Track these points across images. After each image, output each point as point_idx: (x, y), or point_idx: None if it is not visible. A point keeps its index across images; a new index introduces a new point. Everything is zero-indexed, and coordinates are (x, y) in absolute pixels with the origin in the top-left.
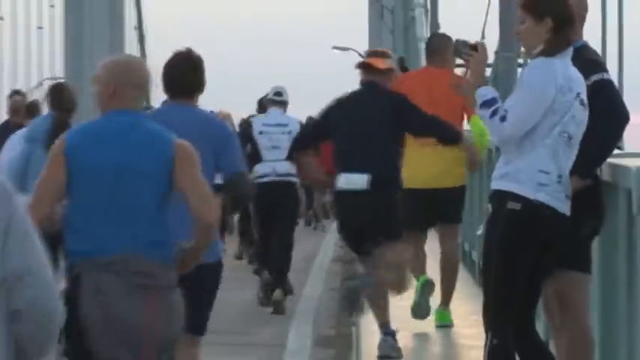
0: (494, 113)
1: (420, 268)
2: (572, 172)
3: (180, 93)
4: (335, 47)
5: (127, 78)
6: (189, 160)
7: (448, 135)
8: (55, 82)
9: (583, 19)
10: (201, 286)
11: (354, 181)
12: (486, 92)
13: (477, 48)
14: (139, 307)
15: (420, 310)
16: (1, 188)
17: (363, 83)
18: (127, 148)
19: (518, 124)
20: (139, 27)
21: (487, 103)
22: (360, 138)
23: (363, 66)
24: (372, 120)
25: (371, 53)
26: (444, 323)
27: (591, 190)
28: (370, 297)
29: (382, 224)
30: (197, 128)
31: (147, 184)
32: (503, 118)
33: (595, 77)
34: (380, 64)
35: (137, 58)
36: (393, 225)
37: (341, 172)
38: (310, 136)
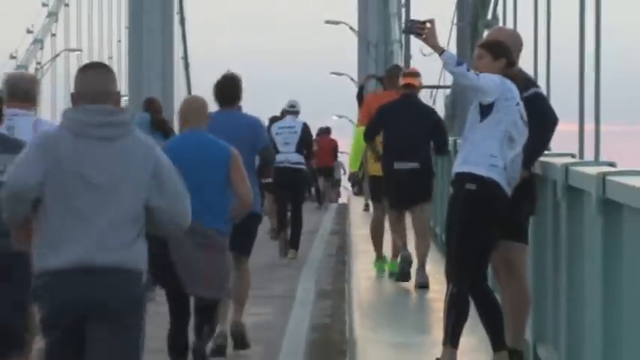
0: (468, 69)
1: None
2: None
3: (225, 102)
4: (332, 72)
5: (190, 109)
6: (238, 162)
7: (443, 151)
8: (148, 97)
9: (519, 52)
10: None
11: (408, 166)
12: (454, 54)
13: (427, 23)
14: (201, 256)
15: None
16: (145, 143)
17: (404, 95)
18: (200, 149)
19: (484, 84)
20: (185, 57)
21: (460, 63)
22: (409, 134)
23: (405, 84)
24: (416, 123)
25: (407, 74)
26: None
27: (528, 181)
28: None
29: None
30: (239, 127)
31: (211, 173)
32: (477, 74)
33: (531, 91)
34: (415, 82)
35: (198, 97)
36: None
37: (395, 160)
38: (372, 131)
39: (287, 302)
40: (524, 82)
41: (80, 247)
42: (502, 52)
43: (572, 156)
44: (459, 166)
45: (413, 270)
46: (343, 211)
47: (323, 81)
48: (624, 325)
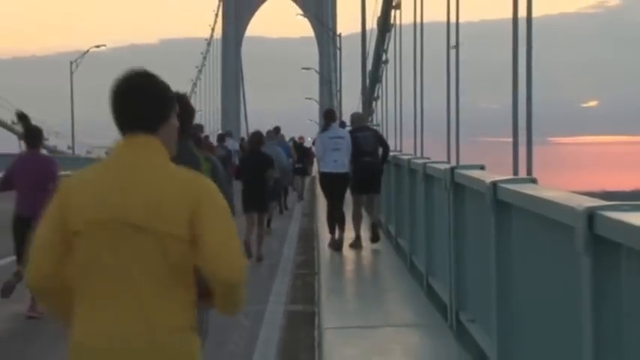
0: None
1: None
2: (375, 163)
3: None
4: (307, 103)
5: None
6: (292, 149)
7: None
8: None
9: (369, 119)
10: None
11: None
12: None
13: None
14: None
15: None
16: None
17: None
18: (281, 146)
19: (318, 158)
20: (245, 113)
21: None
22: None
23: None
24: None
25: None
26: None
27: (382, 168)
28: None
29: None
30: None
31: (284, 150)
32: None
33: (378, 133)
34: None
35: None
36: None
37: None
38: None
39: (288, 218)
40: (373, 131)
41: None
42: (326, 116)
43: (412, 155)
44: (321, 168)
45: None
46: (313, 180)
47: (296, 117)
48: (436, 214)
